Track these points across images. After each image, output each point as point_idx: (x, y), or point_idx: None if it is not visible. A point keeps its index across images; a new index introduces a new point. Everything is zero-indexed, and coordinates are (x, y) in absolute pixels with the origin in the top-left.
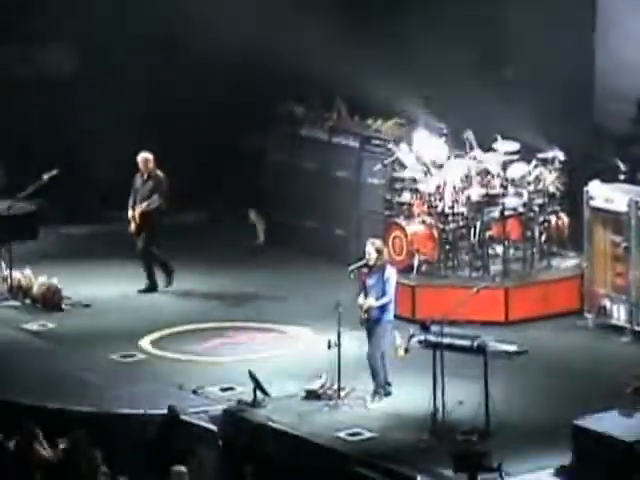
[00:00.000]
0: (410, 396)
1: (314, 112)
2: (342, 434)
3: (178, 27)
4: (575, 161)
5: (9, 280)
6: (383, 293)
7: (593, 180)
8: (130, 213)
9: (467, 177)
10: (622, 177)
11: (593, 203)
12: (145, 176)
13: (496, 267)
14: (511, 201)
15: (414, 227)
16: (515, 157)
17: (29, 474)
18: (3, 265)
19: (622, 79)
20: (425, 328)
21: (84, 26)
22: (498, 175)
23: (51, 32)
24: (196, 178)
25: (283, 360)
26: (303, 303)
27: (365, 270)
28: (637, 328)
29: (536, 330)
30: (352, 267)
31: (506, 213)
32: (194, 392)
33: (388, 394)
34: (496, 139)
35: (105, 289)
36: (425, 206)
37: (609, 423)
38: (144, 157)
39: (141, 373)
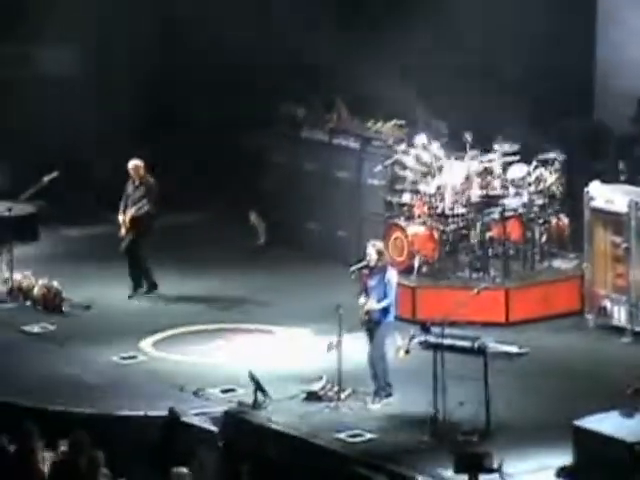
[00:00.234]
0: (411, 397)
1: (314, 113)
2: (342, 435)
3: (178, 27)
4: (575, 162)
5: (10, 282)
6: (384, 295)
7: (593, 181)
8: (121, 218)
9: (467, 178)
10: (622, 178)
11: (593, 204)
12: (137, 182)
13: (496, 268)
14: (511, 202)
15: (414, 228)
16: (515, 158)
17: (30, 477)
18: (4, 267)
19: (623, 78)
20: (425, 329)
21: (84, 26)
22: (498, 176)
23: (51, 31)
24: (196, 179)
25: (283, 361)
26: (303, 304)
27: (366, 271)
28: (637, 329)
29: (536, 331)
30: (353, 268)
31: (506, 214)
32: (194, 394)
33: (389, 395)
34: (496, 140)
35: (105, 291)
36: (425, 207)
37: (610, 424)
38: (135, 164)
39: (142, 375)
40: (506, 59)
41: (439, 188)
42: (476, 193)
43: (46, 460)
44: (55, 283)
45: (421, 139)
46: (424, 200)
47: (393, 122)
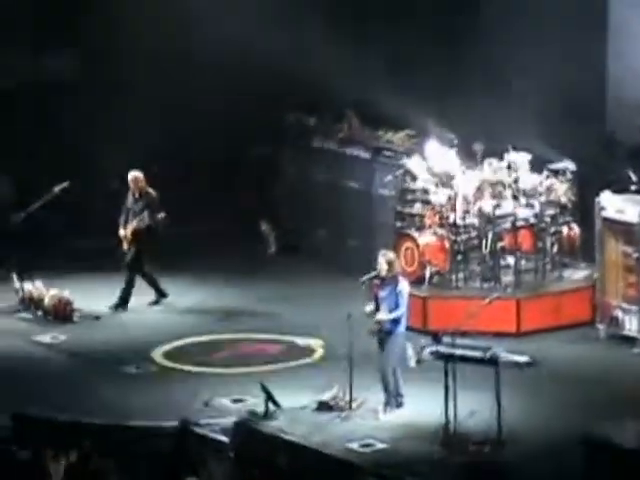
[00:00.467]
0: (422, 407)
1: (325, 123)
2: (354, 445)
3: (191, 38)
4: (586, 172)
5: (21, 292)
6: (395, 306)
7: (604, 191)
8: (122, 232)
9: (478, 188)
10: (634, 188)
11: (604, 214)
12: (137, 195)
13: (508, 278)
14: (523, 212)
15: (426, 238)
16: (526, 168)
17: None
18: (15, 277)
19: (635, 90)
20: (437, 339)
21: (91, 34)
22: (509, 186)
23: (58, 38)
24: (208, 189)
25: (294, 371)
26: (314, 314)
27: (377, 282)
28: None
29: (548, 341)
30: (364, 278)
31: (518, 224)
32: (205, 404)
33: (400, 405)
34: (507, 150)
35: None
36: (437, 217)
37: (621, 433)
38: (134, 176)
39: (153, 385)
40: (517, 71)
41: (450, 198)
42: (487, 203)
43: (57, 470)
44: (66, 293)
45: (431, 148)
46: (435, 210)
47: (404, 132)
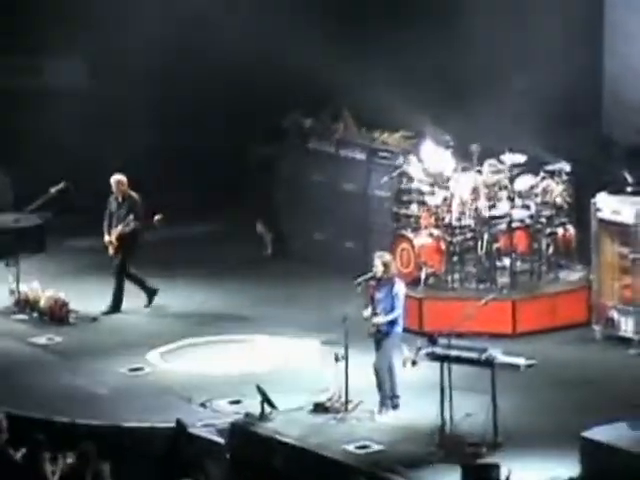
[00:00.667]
0: (418, 408)
1: (321, 125)
2: (350, 447)
3: (186, 39)
4: (582, 173)
5: (17, 293)
6: (392, 307)
7: (600, 192)
8: (107, 238)
9: (474, 189)
10: (629, 189)
11: (600, 215)
12: (120, 198)
13: (503, 279)
14: (518, 213)
15: (421, 239)
16: (522, 169)
17: None
18: (10, 278)
19: (631, 90)
20: (432, 341)
21: (93, 38)
22: (505, 187)
23: (59, 43)
24: (205, 191)
25: (290, 373)
26: (310, 316)
27: (373, 283)
28: None
29: (544, 342)
30: (359, 280)
31: (513, 225)
32: (201, 405)
33: (396, 407)
34: (503, 151)
35: None
36: (432, 218)
37: (618, 435)
38: (117, 179)
39: (149, 386)
40: (515, 72)
41: (446, 199)
42: (483, 204)
43: (53, 471)
44: (62, 295)
45: (427, 150)
46: (431, 211)
47: (400, 133)
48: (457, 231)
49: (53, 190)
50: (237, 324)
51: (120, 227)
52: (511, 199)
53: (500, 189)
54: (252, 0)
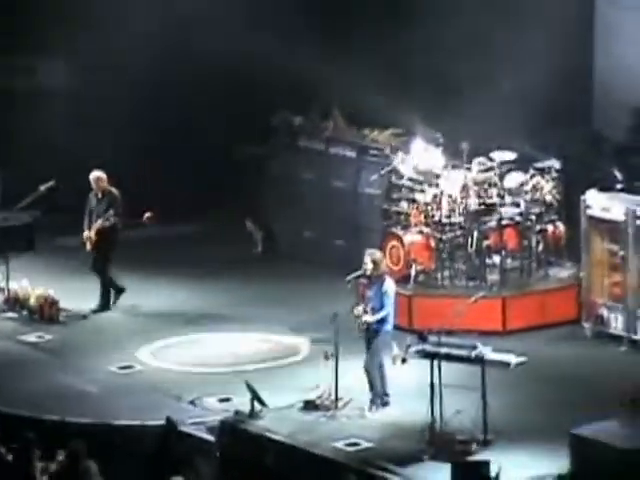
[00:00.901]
0: (408, 406)
1: (311, 122)
2: (340, 444)
3: (174, 39)
4: (572, 170)
5: (6, 292)
6: (381, 306)
7: (590, 189)
8: (86, 234)
9: (464, 187)
10: (619, 186)
11: (590, 212)
12: (99, 195)
13: (493, 277)
14: (508, 210)
15: (411, 237)
16: (512, 167)
17: None
18: (0, 276)
19: (622, 88)
20: (422, 338)
21: (81, 39)
22: (495, 184)
23: (49, 44)
24: (194, 189)
25: (281, 370)
26: (301, 313)
27: (364, 281)
28: (635, 337)
29: (533, 340)
30: (349, 277)
31: (503, 222)
32: (191, 403)
33: (386, 404)
34: (493, 149)
35: None
36: (422, 216)
37: (607, 432)
38: (96, 175)
39: (139, 384)
40: (506, 70)
41: (436, 197)
42: (473, 202)
43: (43, 470)
44: (52, 293)
45: (417, 147)
46: (421, 209)
47: (390, 131)
48: (447, 228)
49: (42, 188)
50: (227, 322)
51: (99, 222)
52: (501, 196)
53: (490, 187)
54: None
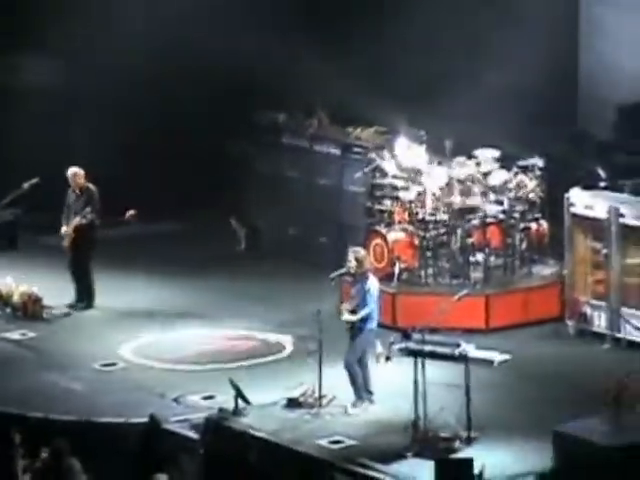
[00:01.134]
0: (391, 404)
1: (295, 120)
2: (323, 442)
3: (160, 39)
4: (556, 168)
5: None
6: (364, 304)
7: (573, 187)
8: (64, 229)
9: (448, 184)
10: (603, 184)
11: (573, 210)
12: (77, 191)
13: (477, 274)
14: (492, 208)
15: (395, 234)
16: (496, 164)
17: None
18: None
19: (607, 87)
20: (406, 336)
21: (68, 37)
22: (479, 182)
23: (35, 42)
24: (178, 187)
25: (264, 368)
26: (284, 311)
27: (349, 279)
28: (617, 335)
29: (517, 337)
30: (333, 275)
31: (487, 220)
32: (175, 400)
33: (370, 402)
34: (477, 147)
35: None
36: (406, 213)
37: (590, 429)
38: (73, 172)
39: (123, 382)
40: (489, 68)
41: (419, 194)
42: (457, 200)
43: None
44: (35, 290)
45: (401, 145)
46: (404, 206)
47: (374, 128)
48: (430, 226)
49: (26, 185)
50: (211, 319)
51: (77, 219)
52: (485, 194)
53: (473, 184)
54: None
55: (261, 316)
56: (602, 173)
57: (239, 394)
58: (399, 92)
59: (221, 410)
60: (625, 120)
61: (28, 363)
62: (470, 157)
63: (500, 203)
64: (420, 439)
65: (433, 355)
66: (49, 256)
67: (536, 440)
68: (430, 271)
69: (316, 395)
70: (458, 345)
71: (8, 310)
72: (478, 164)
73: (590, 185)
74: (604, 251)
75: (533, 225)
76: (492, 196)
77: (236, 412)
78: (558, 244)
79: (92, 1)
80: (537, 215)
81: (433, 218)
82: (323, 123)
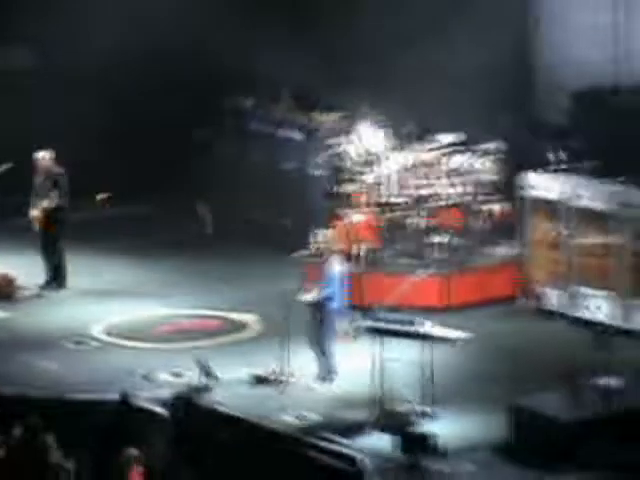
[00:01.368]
0: (355, 380)
1: (261, 105)
2: (290, 417)
3: (130, 24)
4: (515, 151)
5: None
6: (327, 284)
7: (532, 170)
8: (32, 213)
9: (409, 168)
10: (560, 167)
11: (531, 192)
12: (45, 174)
13: (437, 255)
14: (452, 191)
15: (357, 217)
16: (457, 148)
17: None
18: None
19: (565, 76)
20: (369, 315)
21: (42, 25)
22: (439, 165)
23: (11, 29)
24: (146, 171)
25: (231, 346)
26: (250, 292)
27: (312, 260)
28: (574, 314)
29: (476, 316)
30: (296, 255)
31: (447, 203)
32: (145, 378)
33: (333, 379)
34: (438, 131)
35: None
36: (368, 196)
37: (548, 404)
38: (41, 155)
39: (94, 360)
40: (448, 54)
41: (381, 178)
42: (418, 182)
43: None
44: (9, 271)
45: (363, 130)
46: (366, 189)
47: (337, 114)
48: (392, 208)
49: (1, 169)
50: (178, 300)
51: (45, 202)
52: (445, 177)
53: (434, 167)
54: None
55: (226, 296)
56: (560, 156)
57: (205, 371)
58: (360, 78)
59: (189, 387)
60: (579, 106)
61: (2, 343)
62: (431, 141)
63: (461, 186)
64: (383, 414)
65: (395, 333)
66: (22, 238)
67: (495, 414)
68: (392, 252)
69: (282, 372)
70: (421, 323)
71: None
72: (439, 148)
73: (547, 168)
74: (562, 232)
75: (492, 207)
76: (453, 179)
77: (204, 389)
78: (516, 225)
79: None
80: (496, 197)
81: (395, 200)
82: (288, 108)
